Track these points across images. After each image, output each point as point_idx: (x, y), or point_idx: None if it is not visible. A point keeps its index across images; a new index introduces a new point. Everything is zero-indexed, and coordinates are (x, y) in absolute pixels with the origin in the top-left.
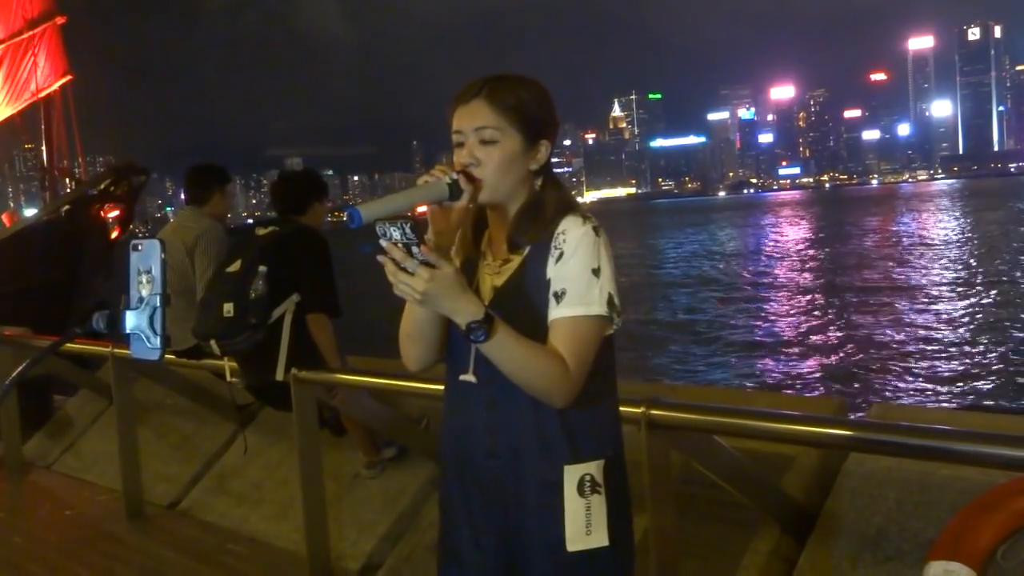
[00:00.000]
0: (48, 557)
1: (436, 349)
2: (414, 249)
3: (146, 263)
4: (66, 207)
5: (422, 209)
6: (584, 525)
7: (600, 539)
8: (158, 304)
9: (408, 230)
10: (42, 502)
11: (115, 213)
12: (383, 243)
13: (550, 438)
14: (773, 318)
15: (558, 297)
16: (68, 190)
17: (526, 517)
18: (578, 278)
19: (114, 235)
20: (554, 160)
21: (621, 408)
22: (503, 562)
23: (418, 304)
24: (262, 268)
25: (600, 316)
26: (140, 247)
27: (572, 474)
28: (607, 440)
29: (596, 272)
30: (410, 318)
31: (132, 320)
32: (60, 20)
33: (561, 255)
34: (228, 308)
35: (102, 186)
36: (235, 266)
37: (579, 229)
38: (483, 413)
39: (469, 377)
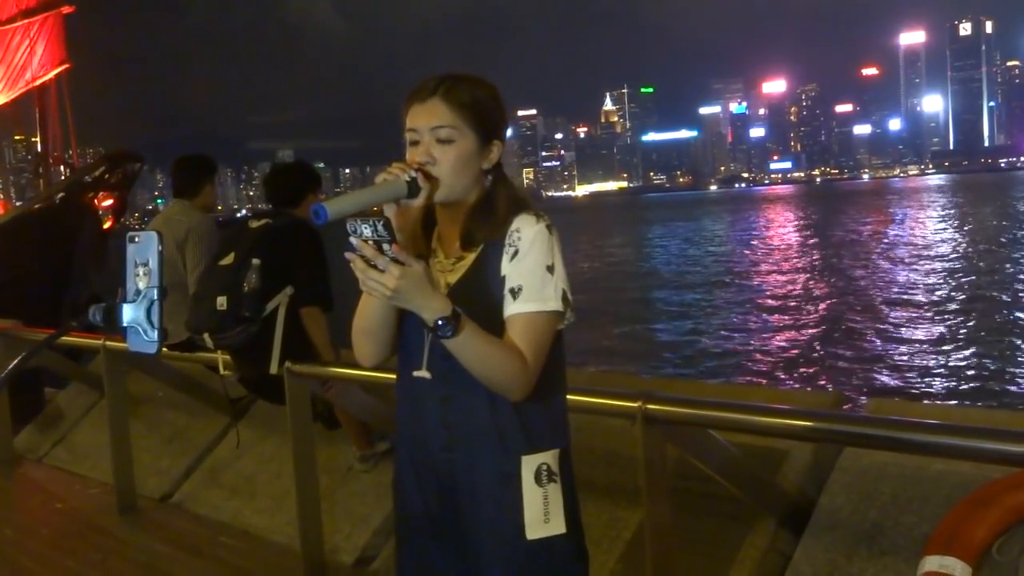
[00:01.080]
0: (39, 550)
1: (389, 345)
2: (385, 246)
3: (143, 255)
4: (60, 195)
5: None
6: (542, 513)
7: (558, 526)
8: (155, 297)
9: (380, 228)
10: (33, 495)
11: (108, 202)
12: (353, 240)
13: (507, 430)
14: (768, 313)
15: (514, 293)
16: (62, 178)
17: (483, 507)
18: (533, 275)
19: (107, 225)
20: (543, 153)
21: (616, 403)
22: (462, 552)
23: (387, 301)
24: (255, 261)
25: (555, 311)
26: (137, 239)
27: (529, 464)
28: (559, 430)
29: (550, 269)
30: (364, 314)
31: (129, 313)
32: (67, 9)
33: (516, 252)
34: (221, 301)
35: (96, 173)
36: (228, 259)
37: (533, 228)
38: (437, 408)
39: (423, 373)
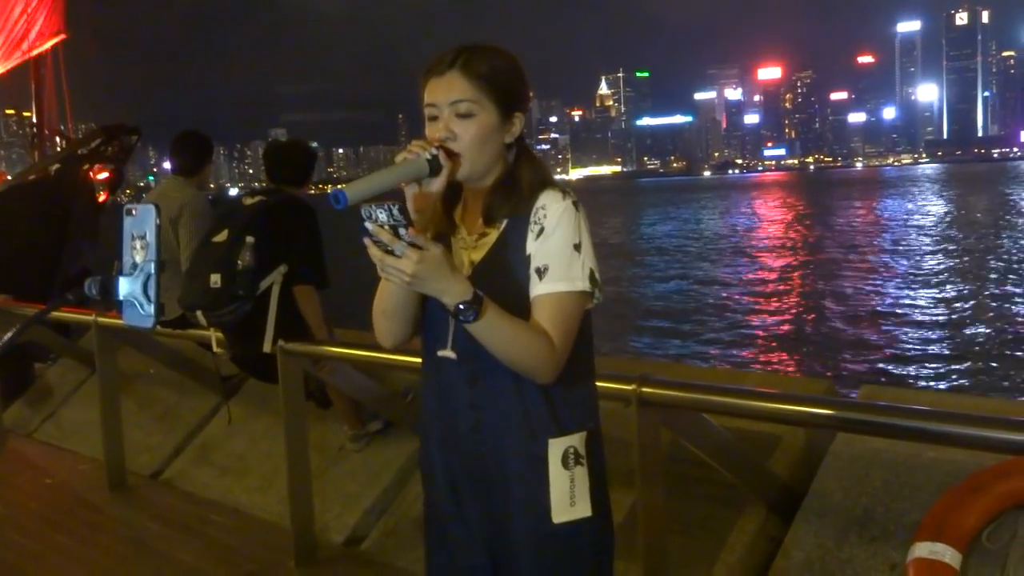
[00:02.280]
0: (29, 525)
1: (411, 325)
2: (401, 231)
3: (140, 228)
4: (55, 167)
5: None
6: (568, 496)
7: (584, 510)
8: (152, 271)
9: (396, 212)
10: (22, 470)
11: (104, 175)
12: (368, 226)
13: (534, 412)
14: (761, 299)
15: (540, 273)
16: (57, 150)
17: (510, 490)
18: (560, 254)
19: (102, 199)
20: (539, 137)
21: (612, 385)
22: (487, 535)
23: (406, 286)
24: (249, 239)
25: (583, 292)
26: (134, 212)
27: (557, 447)
28: (588, 413)
29: (578, 248)
30: (385, 295)
31: (126, 287)
32: None
33: (542, 230)
34: (215, 279)
35: (92, 145)
36: (221, 236)
37: (559, 204)
38: (465, 389)
39: (448, 353)
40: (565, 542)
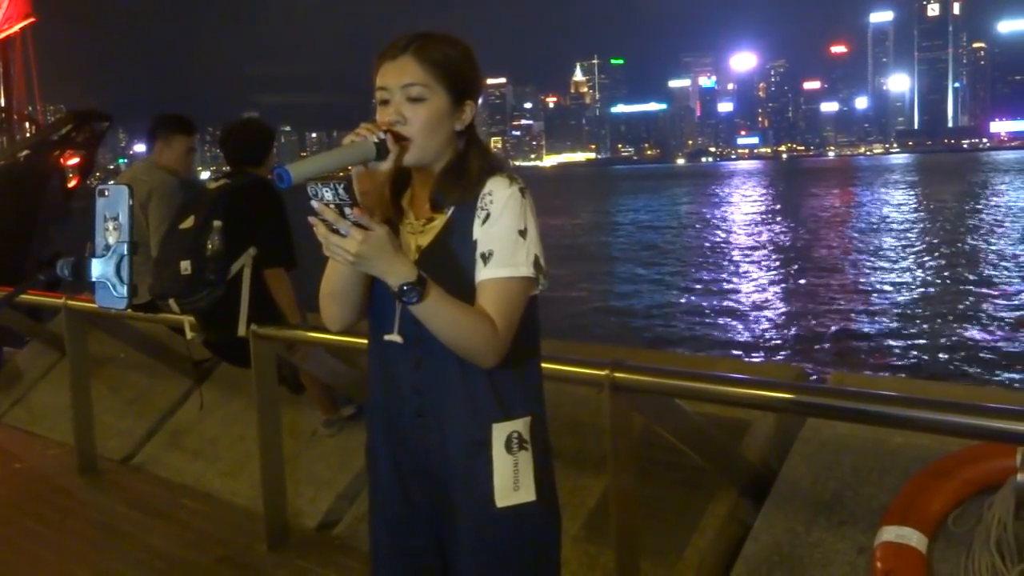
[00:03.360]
0: None
1: (358, 308)
2: (347, 210)
3: (113, 210)
4: (24, 153)
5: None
6: (512, 481)
7: (528, 494)
8: (125, 252)
9: (341, 191)
10: None
11: (75, 161)
12: (314, 204)
13: (478, 397)
14: (734, 287)
15: (485, 258)
16: (27, 135)
17: (453, 474)
18: (505, 239)
19: (72, 184)
20: (513, 123)
21: (585, 371)
22: (432, 517)
23: (350, 265)
24: (216, 223)
25: (527, 277)
26: (107, 192)
27: (500, 431)
28: (533, 398)
29: (523, 233)
30: (332, 278)
31: (98, 268)
32: None
33: (488, 216)
34: (185, 266)
35: (63, 131)
36: (188, 222)
37: (506, 191)
38: (409, 373)
39: (395, 337)
40: (508, 526)
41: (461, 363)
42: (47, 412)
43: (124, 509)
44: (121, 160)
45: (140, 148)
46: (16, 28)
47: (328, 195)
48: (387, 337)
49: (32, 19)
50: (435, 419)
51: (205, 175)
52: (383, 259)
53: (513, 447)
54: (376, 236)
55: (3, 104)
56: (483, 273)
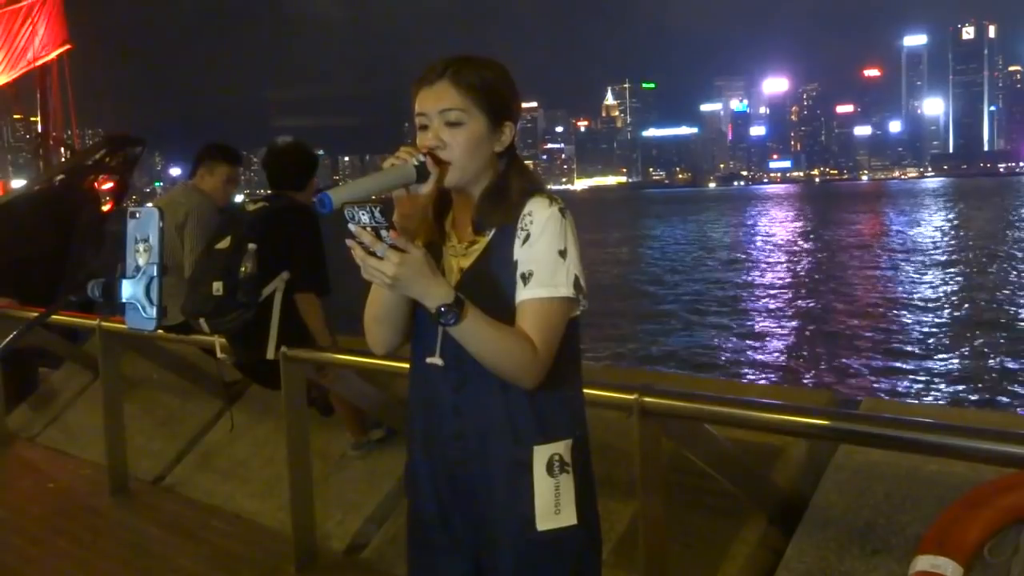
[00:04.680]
0: (30, 529)
1: (403, 332)
2: (383, 233)
3: (143, 231)
4: (60, 177)
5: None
6: (553, 504)
7: (569, 518)
8: (155, 274)
9: (377, 214)
10: (25, 474)
11: (109, 185)
12: (351, 227)
13: (519, 419)
14: (764, 311)
15: (525, 279)
16: (62, 160)
17: (494, 497)
18: (545, 260)
19: (107, 208)
20: (544, 147)
21: (613, 395)
22: (471, 541)
23: (388, 288)
24: (251, 246)
25: (567, 298)
26: (138, 215)
27: (541, 454)
28: (574, 420)
29: (563, 254)
30: (376, 301)
31: (128, 289)
32: None
33: (528, 236)
34: (217, 287)
35: (97, 156)
36: (224, 243)
37: (546, 211)
38: (450, 395)
39: (436, 360)
40: (549, 550)
41: (502, 385)
42: (81, 432)
43: (154, 530)
44: (158, 183)
45: (175, 171)
46: (53, 55)
47: (365, 218)
48: (428, 360)
49: (69, 46)
50: (475, 441)
51: (239, 197)
52: (420, 281)
53: (555, 470)
54: (413, 258)
55: (40, 130)
56: (523, 293)
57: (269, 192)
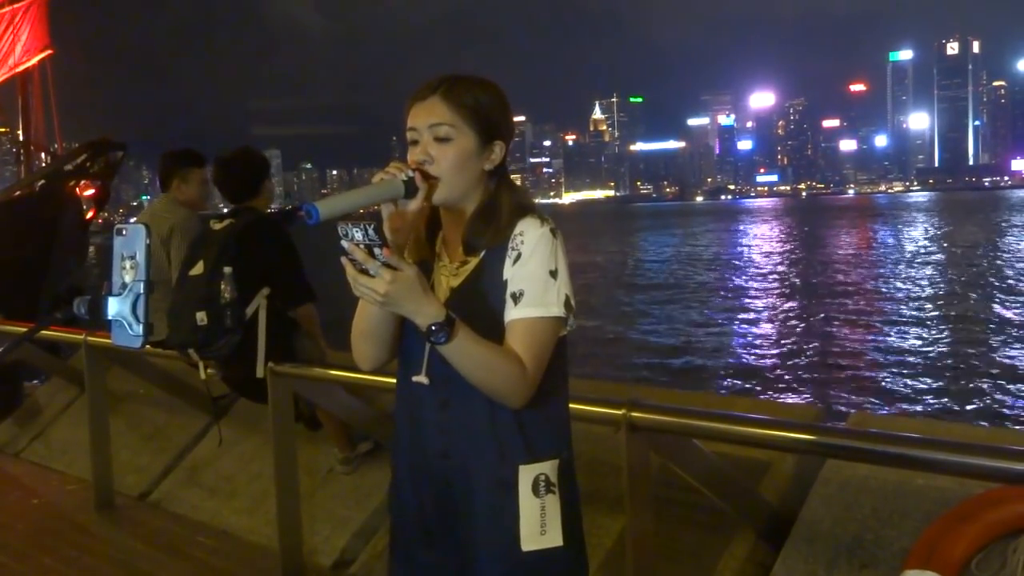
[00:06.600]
0: (14, 545)
1: (389, 348)
2: (376, 251)
3: (130, 248)
4: (40, 183)
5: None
6: (539, 525)
7: (554, 539)
8: (141, 291)
9: (371, 231)
10: (9, 490)
11: (90, 192)
12: (344, 244)
13: (505, 438)
14: (751, 326)
15: (516, 298)
16: (43, 165)
17: (478, 518)
18: (535, 279)
19: (89, 215)
20: (532, 160)
21: (601, 410)
22: (456, 561)
23: (379, 306)
24: (227, 270)
25: (557, 317)
26: (125, 232)
27: (527, 474)
28: (561, 439)
29: (553, 274)
30: (364, 317)
31: (115, 306)
32: None
33: (519, 256)
34: (201, 316)
35: (78, 161)
36: (198, 269)
37: (536, 231)
38: (435, 414)
39: (422, 378)
40: (534, 571)
41: (488, 404)
42: (66, 447)
43: (140, 546)
44: (144, 196)
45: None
46: (34, 60)
47: (358, 235)
48: (415, 378)
49: (50, 51)
50: (460, 460)
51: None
52: (411, 300)
53: (540, 490)
54: (404, 276)
55: (21, 137)
56: (513, 313)
57: (229, 208)
